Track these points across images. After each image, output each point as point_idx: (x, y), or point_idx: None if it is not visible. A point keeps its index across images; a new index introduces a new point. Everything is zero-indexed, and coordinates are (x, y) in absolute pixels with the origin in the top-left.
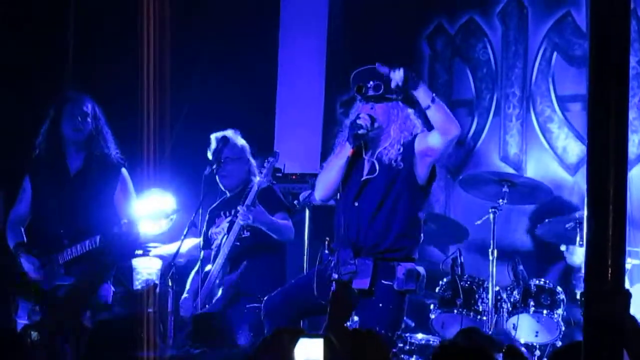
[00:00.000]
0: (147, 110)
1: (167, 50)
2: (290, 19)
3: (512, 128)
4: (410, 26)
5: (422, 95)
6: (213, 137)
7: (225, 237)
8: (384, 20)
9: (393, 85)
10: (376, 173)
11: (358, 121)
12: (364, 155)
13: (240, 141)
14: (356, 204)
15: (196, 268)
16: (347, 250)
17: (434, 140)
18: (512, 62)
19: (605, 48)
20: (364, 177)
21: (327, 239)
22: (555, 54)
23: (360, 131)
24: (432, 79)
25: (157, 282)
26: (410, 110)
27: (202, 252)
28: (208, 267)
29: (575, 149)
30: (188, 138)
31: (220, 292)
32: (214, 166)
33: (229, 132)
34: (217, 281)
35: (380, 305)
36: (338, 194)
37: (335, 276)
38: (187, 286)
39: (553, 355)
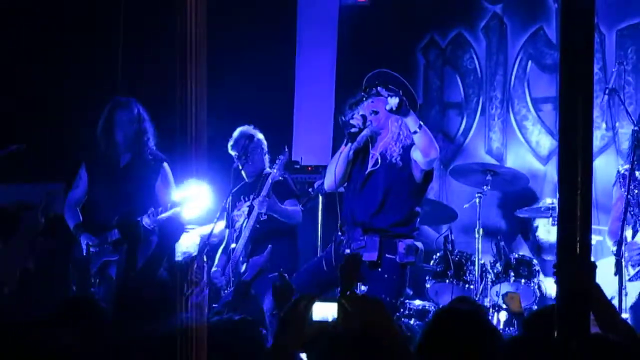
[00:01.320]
0: (186, 109)
1: (204, 54)
2: (305, 29)
3: (495, 126)
4: (408, 40)
5: (411, 122)
6: (237, 132)
7: (246, 220)
8: (385, 33)
9: (387, 108)
10: (378, 166)
11: (351, 121)
12: (370, 150)
13: (259, 135)
14: (360, 194)
15: (223, 245)
16: (357, 229)
17: (418, 157)
18: (494, 70)
19: (573, 58)
20: (368, 170)
21: (340, 222)
22: (530, 62)
23: (353, 130)
24: (426, 85)
25: (195, 255)
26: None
27: (227, 231)
28: (233, 245)
29: (546, 143)
30: (220, 133)
31: (244, 267)
32: (242, 159)
33: (250, 129)
34: (241, 258)
35: (386, 276)
36: (345, 183)
37: (348, 251)
38: (216, 261)
39: (529, 317)
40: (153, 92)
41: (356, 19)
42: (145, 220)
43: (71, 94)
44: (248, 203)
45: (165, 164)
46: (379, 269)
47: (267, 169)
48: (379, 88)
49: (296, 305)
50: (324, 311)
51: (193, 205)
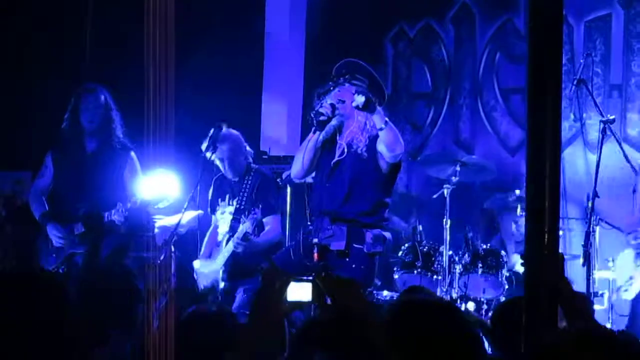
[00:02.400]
0: (152, 100)
1: (171, 45)
2: (274, 19)
3: (463, 116)
4: (376, 30)
5: (377, 119)
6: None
7: (227, 235)
8: (354, 24)
9: (354, 105)
10: (344, 156)
11: (320, 109)
12: (337, 139)
13: (234, 133)
14: (327, 184)
15: (209, 232)
16: (325, 219)
17: (383, 151)
18: (463, 60)
19: (541, 49)
20: (335, 159)
21: (308, 211)
22: (498, 53)
23: (321, 118)
24: (395, 75)
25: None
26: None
27: (213, 217)
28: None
29: (515, 134)
30: (186, 124)
31: (222, 284)
32: (210, 149)
33: (223, 127)
34: (221, 273)
35: (353, 265)
36: (314, 173)
37: (316, 240)
38: (203, 249)
39: (498, 308)
40: (121, 80)
41: (325, 9)
42: (114, 217)
43: (38, 81)
44: (231, 209)
45: (133, 153)
46: (347, 259)
47: (253, 164)
48: (347, 85)
49: (271, 284)
50: (299, 292)
51: (161, 195)
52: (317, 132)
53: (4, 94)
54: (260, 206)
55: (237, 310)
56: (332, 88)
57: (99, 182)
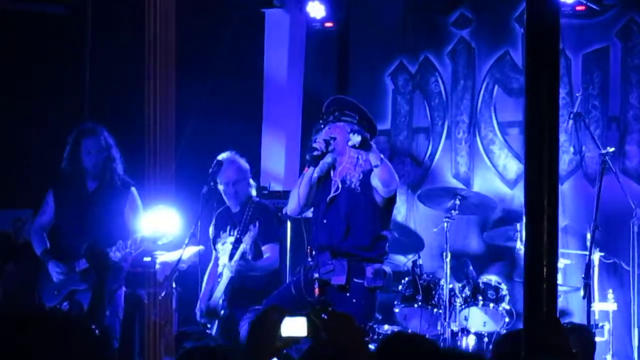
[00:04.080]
0: (153, 135)
1: (172, 80)
2: (273, 55)
3: (462, 150)
4: (376, 65)
5: (373, 157)
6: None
7: (227, 263)
8: (352, 59)
9: (350, 144)
10: (339, 191)
11: (313, 144)
12: (332, 176)
13: (244, 164)
14: (325, 221)
15: (209, 269)
16: (326, 253)
17: (378, 187)
18: (461, 94)
19: (539, 82)
20: (330, 195)
21: (309, 247)
22: (496, 86)
23: (315, 153)
24: (395, 110)
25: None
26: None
27: (214, 252)
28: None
29: (513, 167)
30: (186, 160)
31: (222, 312)
32: (211, 184)
33: (231, 155)
34: (221, 302)
35: (354, 300)
36: (311, 208)
37: (316, 275)
38: (204, 286)
39: (497, 340)
40: (121, 114)
41: (323, 43)
42: (116, 254)
43: (37, 117)
44: (232, 239)
45: (133, 189)
46: (347, 293)
47: (255, 196)
48: (343, 124)
49: (266, 318)
50: (293, 327)
51: (161, 231)
52: (311, 168)
53: (3, 131)
54: (258, 225)
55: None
56: (322, 126)
57: (100, 219)
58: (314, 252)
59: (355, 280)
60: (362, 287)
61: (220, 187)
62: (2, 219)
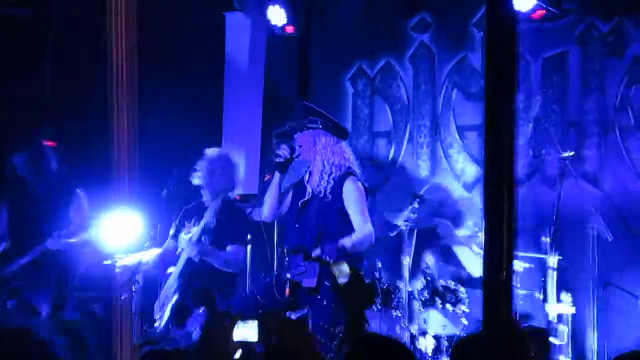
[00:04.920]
0: (117, 137)
1: (134, 82)
2: (234, 60)
3: (424, 154)
4: (335, 69)
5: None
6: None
7: (187, 243)
8: (313, 64)
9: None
10: (309, 198)
11: (278, 151)
12: (305, 182)
13: (232, 160)
14: (297, 225)
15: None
16: (299, 256)
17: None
18: (422, 98)
19: (498, 87)
20: (301, 201)
21: (285, 248)
22: (455, 90)
23: (278, 159)
24: (355, 114)
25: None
26: (332, 139)
27: (175, 243)
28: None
29: (471, 171)
30: (149, 163)
31: (174, 299)
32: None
33: (219, 150)
34: (175, 288)
35: (324, 303)
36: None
37: (288, 276)
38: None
39: (458, 344)
40: (83, 117)
41: (284, 48)
42: (50, 241)
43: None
44: (196, 229)
45: (79, 191)
46: (318, 296)
47: (228, 194)
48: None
49: (219, 323)
50: (245, 332)
51: (121, 233)
52: (276, 173)
53: None
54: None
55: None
56: (289, 134)
57: (45, 220)
58: (289, 253)
59: (326, 283)
60: (331, 290)
61: (197, 176)
62: None
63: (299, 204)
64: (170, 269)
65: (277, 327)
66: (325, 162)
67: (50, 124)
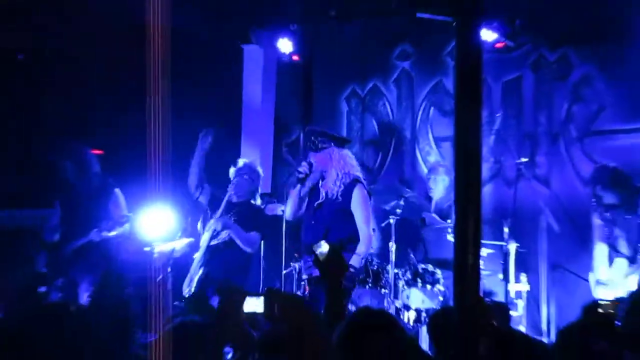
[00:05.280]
0: (154, 149)
1: (168, 101)
2: (250, 82)
3: (405, 160)
4: (333, 90)
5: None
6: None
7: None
8: (315, 85)
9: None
10: (323, 200)
11: (299, 169)
12: (319, 186)
13: (257, 169)
14: (312, 222)
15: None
16: (311, 256)
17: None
18: (404, 114)
19: (466, 105)
20: (316, 203)
21: (296, 254)
22: (432, 108)
23: (300, 175)
24: (349, 127)
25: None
26: (345, 151)
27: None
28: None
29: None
30: (180, 169)
31: (197, 276)
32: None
33: (253, 161)
34: (199, 265)
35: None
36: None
37: (305, 276)
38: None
39: (434, 315)
40: (123, 133)
41: (291, 73)
42: (93, 233)
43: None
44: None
45: (117, 190)
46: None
47: (252, 201)
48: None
49: (230, 299)
50: (254, 305)
51: (157, 225)
52: (298, 185)
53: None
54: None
55: None
56: (308, 151)
57: (91, 216)
58: (302, 253)
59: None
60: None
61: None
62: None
63: (315, 204)
64: (195, 255)
65: (280, 301)
66: (338, 172)
67: (97, 135)
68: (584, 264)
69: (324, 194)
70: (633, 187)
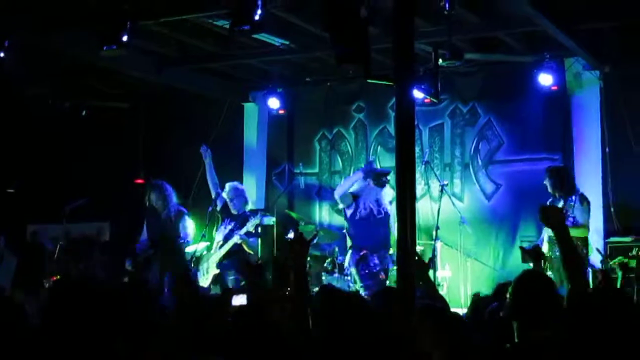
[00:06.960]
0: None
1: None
2: (249, 129)
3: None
4: (309, 134)
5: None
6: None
7: (221, 242)
8: (296, 131)
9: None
10: (367, 211)
11: (383, 180)
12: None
13: (240, 188)
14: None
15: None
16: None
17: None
18: (360, 152)
19: (403, 145)
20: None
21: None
22: (379, 147)
23: (383, 179)
24: (320, 161)
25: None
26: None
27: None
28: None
29: (390, 194)
30: (200, 189)
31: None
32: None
33: (236, 184)
34: (215, 264)
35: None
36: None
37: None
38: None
39: (374, 294)
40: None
41: (279, 123)
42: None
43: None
44: (230, 227)
45: (185, 215)
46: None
47: (246, 211)
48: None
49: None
50: (240, 299)
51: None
52: (367, 179)
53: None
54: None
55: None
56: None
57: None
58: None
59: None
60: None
61: (228, 198)
62: (89, 228)
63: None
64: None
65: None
66: (378, 196)
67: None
68: (487, 255)
69: (362, 207)
70: None
